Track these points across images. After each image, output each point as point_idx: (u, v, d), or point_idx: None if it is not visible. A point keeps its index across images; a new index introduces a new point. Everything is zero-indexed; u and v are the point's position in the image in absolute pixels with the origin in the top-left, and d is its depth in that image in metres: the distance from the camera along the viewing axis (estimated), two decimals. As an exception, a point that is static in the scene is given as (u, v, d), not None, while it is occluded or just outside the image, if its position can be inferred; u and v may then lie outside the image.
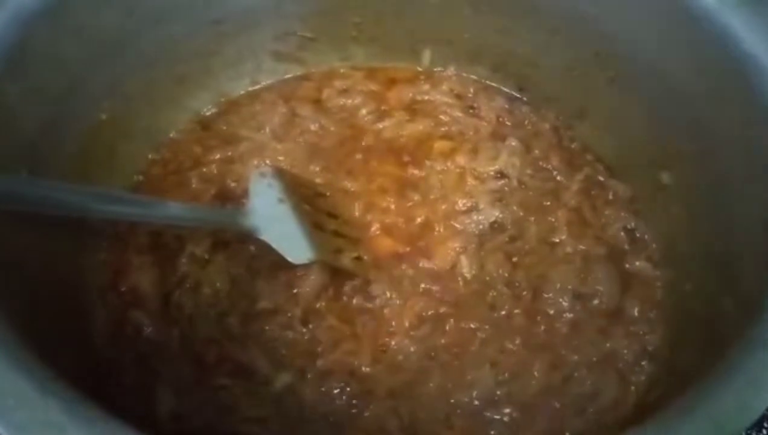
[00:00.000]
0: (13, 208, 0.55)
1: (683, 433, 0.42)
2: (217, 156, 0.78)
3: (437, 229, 0.73)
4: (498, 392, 0.63)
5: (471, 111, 0.83)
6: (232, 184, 0.75)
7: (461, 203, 0.75)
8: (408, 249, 0.71)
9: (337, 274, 0.69)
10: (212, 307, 0.67)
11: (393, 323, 0.67)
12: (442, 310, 0.68)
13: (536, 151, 0.79)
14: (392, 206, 0.75)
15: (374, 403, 0.63)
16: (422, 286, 0.69)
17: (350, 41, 0.85)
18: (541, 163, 0.79)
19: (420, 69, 0.87)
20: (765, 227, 0.57)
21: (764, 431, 0.68)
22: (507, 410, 0.63)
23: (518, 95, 0.85)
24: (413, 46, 0.86)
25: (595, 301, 0.69)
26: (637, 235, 0.75)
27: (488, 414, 0.63)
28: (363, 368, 0.64)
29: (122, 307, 0.68)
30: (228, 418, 0.62)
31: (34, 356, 0.44)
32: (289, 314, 0.67)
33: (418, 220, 0.73)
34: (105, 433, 0.40)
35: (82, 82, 0.68)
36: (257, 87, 0.85)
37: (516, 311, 0.68)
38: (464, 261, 0.70)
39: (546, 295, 0.69)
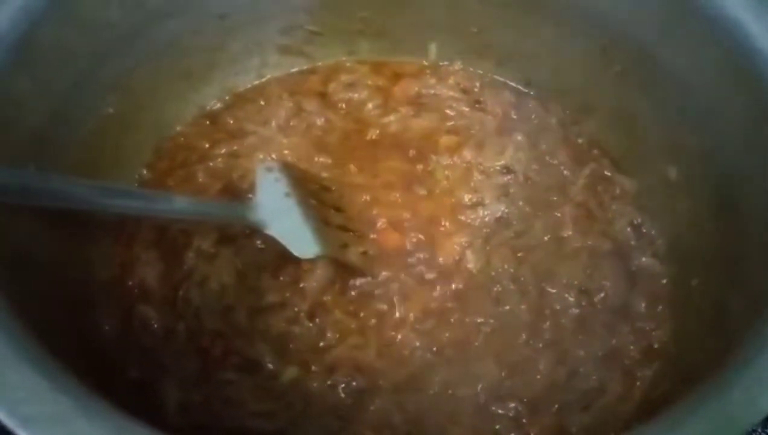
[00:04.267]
0: (19, 201, 0.55)
1: (691, 430, 0.42)
2: (223, 150, 0.78)
3: (443, 223, 0.73)
4: (503, 387, 0.64)
5: (477, 105, 0.83)
6: (239, 179, 0.75)
7: (467, 198, 0.75)
8: (414, 243, 0.71)
9: (343, 269, 0.69)
10: (219, 301, 0.67)
11: (398, 317, 0.67)
12: (448, 304, 0.68)
13: (543, 146, 0.79)
14: (398, 201, 0.74)
15: (380, 398, 0.63)
16: (428, 280, 0.69)
17: (356, 35, 0.85)
18: (547, 158, 0.79)
19: (426, 63, 0.87)
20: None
21: (771, 427, 0.68)
22: (512, 405, 0.63)
23: (525, 90, 0.85)
24: (420, 40, 0.86)
25: (601, 297, 0.69)
26: (644, 230, 0.75)
27: (493, 408, 0.63)
28: (369, 362, 0.65)
29: (129, 302, 0.68)
30: (234, 412, 0.62)
31: (44, 350, 0.44)
32: (296, 309, 0.67)
33: (424, 214, 0.73)
34: (112, 427, 0.40)
35: (88, 76, 0.68)
36: (263, 81, 0.85)
37: (522, 306, 0.68)
38: (470, 256, 0.70)
39: (552, 291, 0.69)
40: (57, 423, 0.40)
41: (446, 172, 0.76)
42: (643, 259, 0.72)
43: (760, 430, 0.68)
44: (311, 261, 0.67)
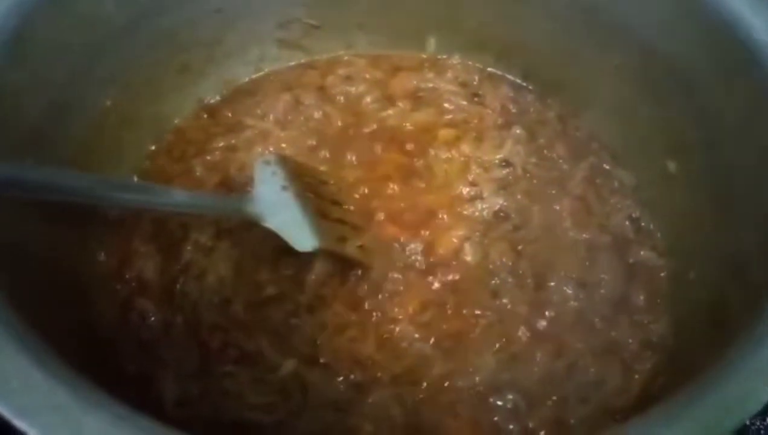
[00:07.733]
0: (18, 195, 0.54)
1: (688, 420, 0.42)
2: (221, 144, 0.78)
3: (441, 217, 0.73)
4: (501, 379, 0.63)
5: (476, 99, 0.83)
6: (236, 172, 0.75)
7: (465, 191, 0.75)
8: (412, 236, 0.71)
9: (341, 262, 0.69)
10: (217, 294, 0.67)
11: (397, 310, 0.67)
12: (446, 297, 0.68)
13: (541, 140, 0.79)
14: (396, 194, 0.74)
15: (378, 390, 0.63)
16: (426, 273, 0.69)
17: (355, 28, 0.85)
18: (545, 151, 0.79)
19: (425, 56, 0.87)
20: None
21: (768, 419, 0.68)
22: (510, 396, 0.63)
23: (523, 83, 0.85)
24: (418, 34, 0.86)
25: (600, 290, 0.69)
26: (642, 224, 0.75)
27: (492, 400, 0.63)
28: (367, 355, 0.65)
29: (127, 295, 0.68)
30: (233, 405, 0.62)
31: (40, 341, 0.44)
32: (295, 301, 0.67)
33: (423, 207, 0.73)
34: (109, 416, 0.40)
35: (86, 70, 0.68)
36: (261, 74, 0.85)
37: (519, 299, 0.68)
38: (468, 249, 0.70)
39: (550, 284, 0.69)
40: (53, 413, 0.40)
41: (444, 166, 0.76)
42: (642, 252, 0.72)
43: (759, 421, 0.68)
44: (310, 254, 0.67)
